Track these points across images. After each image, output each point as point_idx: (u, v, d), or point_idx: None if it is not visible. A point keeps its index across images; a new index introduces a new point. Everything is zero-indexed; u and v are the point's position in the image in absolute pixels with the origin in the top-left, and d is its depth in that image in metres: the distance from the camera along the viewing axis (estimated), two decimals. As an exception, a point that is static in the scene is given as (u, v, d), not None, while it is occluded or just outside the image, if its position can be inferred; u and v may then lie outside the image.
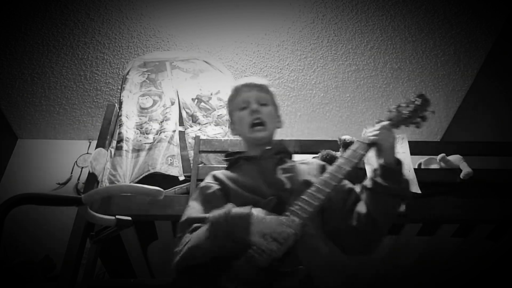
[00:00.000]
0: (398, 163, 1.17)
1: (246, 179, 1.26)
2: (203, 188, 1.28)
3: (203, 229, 1.04)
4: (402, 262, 2.09)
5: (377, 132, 1.17)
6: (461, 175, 1.84)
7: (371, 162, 1.79)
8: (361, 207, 1.18)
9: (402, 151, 1.92)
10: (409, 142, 1.94)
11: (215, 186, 1.26)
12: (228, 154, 1.49)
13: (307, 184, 1.20)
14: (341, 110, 3.36)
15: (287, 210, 1.03)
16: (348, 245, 1.19)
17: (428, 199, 1.78)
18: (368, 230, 1.15)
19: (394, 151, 1.17)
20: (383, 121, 1.23)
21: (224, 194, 1.24)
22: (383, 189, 1.14)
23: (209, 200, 1.21)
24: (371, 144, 1.17)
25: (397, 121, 1.24)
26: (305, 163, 1.38)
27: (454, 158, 1.94)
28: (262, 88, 1.40)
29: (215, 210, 1.05)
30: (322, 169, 1.32)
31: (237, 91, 1.41)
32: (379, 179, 1.15)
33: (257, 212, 1.02)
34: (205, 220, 1.09)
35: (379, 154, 1.18)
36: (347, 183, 1.26)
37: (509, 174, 1.95)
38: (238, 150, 1.56)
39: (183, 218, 1.19)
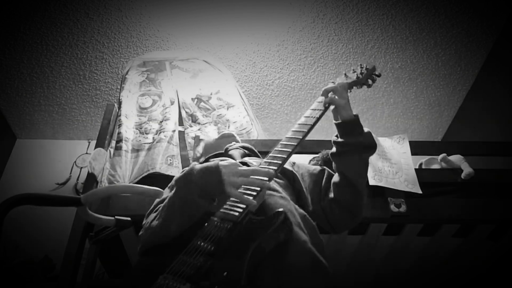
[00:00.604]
0: (355, 116, 1.18)
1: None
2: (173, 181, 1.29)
3: (169, 196, 1.00)
4: (403, 263, 2.08)
5: (335, 87, 1.19)
6: (462, 175, 1.84)
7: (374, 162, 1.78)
8: (335, 178, 1.20)
9: (402, 151, 1.91)
10: (410, 142, 1.94)
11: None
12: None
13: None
14: (341, 110, 3.36)
15: None
16: (335, 220, 1.19)
17: (429, 199, 1.78)
18: (347, 195, 1.16)
19: (350, 107, 1.18)
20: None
21: None
22: (347, 146, 1.15)
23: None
24: (330, 102, 1.19)
25: (349, 83, 1.26)
26: None
27: (455, 158, 1.94)
28: None
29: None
30: (292, 165, 1.36)
31: None
32: (341, 139, 1.17)
33: (225, 161, 0.98)
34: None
35: (336, 112, 1.19)
36: (317, 167, 1.29)
37: (510, 174, 1.95)
38: None
39: (151, 207, 1.15)
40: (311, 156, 1.92)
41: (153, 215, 1.06)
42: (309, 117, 1.16)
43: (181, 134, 2.11)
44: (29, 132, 3.47)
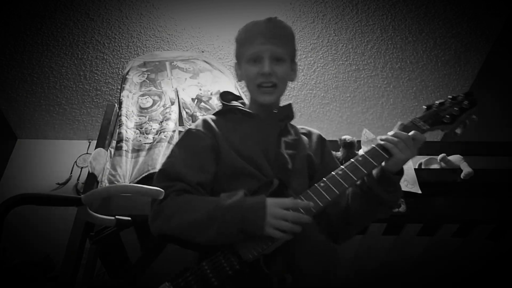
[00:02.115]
0: (400, 172, 1.03)
1: (243, 142, 1.13)
2: (194, 135, 1.14)
3: (207, 209, 0.94)
4: (403, 263, 2.08)
5: (397, 141, 0.99)
6: (462, 175, 1.84)
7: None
8: (343, 199, 1.10)
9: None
10: (409, 142, 1.94)
11: (207, 140, 1.12)
12: (225, 95, 1.29)
13: (308, 160, 1.15)
14: (341, 110, 3.36)
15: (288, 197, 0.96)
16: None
17: (429, 199, 1.78)
18: (339, 224, 1.10)
19: (403, 163, 1.01)
20: (416, 124, 1.06)
21: (216, 150, 1.11)
22: (372, 193, 1.03)
23: (198, 154, 1.09)
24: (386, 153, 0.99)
25: (434, 124, 1.07)
26: (306, 133, 1.28)
27: (455, 158, 1.94)
28: (279, 41, 1.16)
29: (224, 195, 0.96)
30: (322, 144, 1.26)
31: (248, 37, 1.18)
32: (372, 182, 1.02)
33: (269, 201, 0.93)
34: (194, 185, 1.02)
35: (386, 161, 1.01)
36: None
37: (509, 174, 1.95)
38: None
39: (165, 166, 1.08)
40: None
41: (175, 200, 0.99)
42: (366, 160, 0.99)
43: (181, 134, 2.11)
44: (29, 132, 3.48)
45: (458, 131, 1.08)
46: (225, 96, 1.29)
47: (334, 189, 0.95)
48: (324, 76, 3.14)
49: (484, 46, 2.94)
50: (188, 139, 1.14)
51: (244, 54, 1.18)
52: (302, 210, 0.92)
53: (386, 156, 0.99)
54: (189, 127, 1.22)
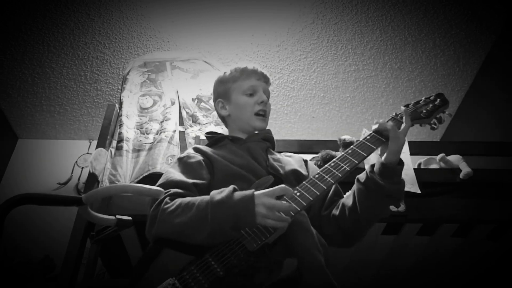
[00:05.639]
0: (400, 163, 1.11)
1: (233, 155, 1.22)
2: (183, 158, 1.22)
3: (199, 208, 0.96)
4: (402, 262, 2.09)
5: (394, 132, 1.09)
6: (461, 175, 1.85)
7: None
8: (348, 199, 1.14)
9: (402, 151, 1.92)
10: (409, 142, 1.95)
11: (198, 157, 1.21)
12: (210, 132, 1.43)
13: (296, 173, 1.22)
14: (341, 110, 3.37)
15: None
16: (327, 234, 1.14)
17: (428, 199, 1.79)
18: (349, 224, 1.13)
19: (400, 152, 1.10)
20: (399, 117, 1.17)
21: (208, 164, 1.19)
22: (378, 187, 1.08)
23: (191, 169, 1.16)
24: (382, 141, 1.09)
25: (413, 119, 1.18)
26: (289, 156, 1.38)
27: (454, 158, 1.94)
28: (268, 81, 1.40)
29: (215, 191, 0.98)
30: (306, 164, 1.34)
31: (244, 74, 1.36)
32: (376, 177, 1.09)
33: (258, 192, 0.95)
34: (190, 187, 1.06)
35: (384, 151, 1.10)
36: None
37: (509, 174, 1.95)
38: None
39: (162, 181, 1.13)
40: (310, 156, 1.93)
41: (170, 204, 1.01)
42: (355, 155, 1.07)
43: (182, 134, 2.12)
44: (30, 132, 3.48)
45: (435, 126, 1.21)
46: (209, 134, 1.42)
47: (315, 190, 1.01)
48: (324, 76, 3.14)
49: (483, 46, 2.95)
50: (179, 162, 1.22)
51: (238, 88, 1.35)
52: (288, 199, 0.96)
53: (384, 140, 1.09)
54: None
